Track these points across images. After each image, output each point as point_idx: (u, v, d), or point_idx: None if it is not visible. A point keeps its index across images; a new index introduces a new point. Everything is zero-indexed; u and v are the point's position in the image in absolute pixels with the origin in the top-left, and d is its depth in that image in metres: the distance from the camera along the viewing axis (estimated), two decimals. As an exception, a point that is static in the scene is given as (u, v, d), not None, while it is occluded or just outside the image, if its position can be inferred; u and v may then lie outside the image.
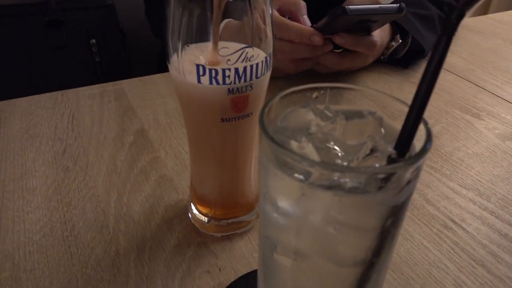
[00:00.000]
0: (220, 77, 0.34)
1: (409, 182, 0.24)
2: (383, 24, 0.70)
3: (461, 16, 0.22)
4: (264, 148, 0.25)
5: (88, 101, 0.69)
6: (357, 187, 0.23)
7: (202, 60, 0.34)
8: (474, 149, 0.61)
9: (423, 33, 0.78)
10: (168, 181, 0.53)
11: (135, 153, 0.58)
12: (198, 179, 0.45)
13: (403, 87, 0.76)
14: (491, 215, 0.50)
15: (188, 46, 0.35)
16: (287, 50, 0.67)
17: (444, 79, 0.80)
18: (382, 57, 0.81)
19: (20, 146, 0.59)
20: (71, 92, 0.71)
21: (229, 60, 0.34)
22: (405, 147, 0.24)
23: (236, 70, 0.34)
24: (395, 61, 0.81)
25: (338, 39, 0.66)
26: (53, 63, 1.26)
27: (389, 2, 0.68)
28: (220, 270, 0.43)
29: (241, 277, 0.42)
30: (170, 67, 0.38)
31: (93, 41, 1.27)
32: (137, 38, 1.49)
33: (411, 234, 0.47)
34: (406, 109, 0.24)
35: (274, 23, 0.65)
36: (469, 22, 1.07)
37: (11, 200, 0.50)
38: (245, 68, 0.34)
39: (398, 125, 0.25)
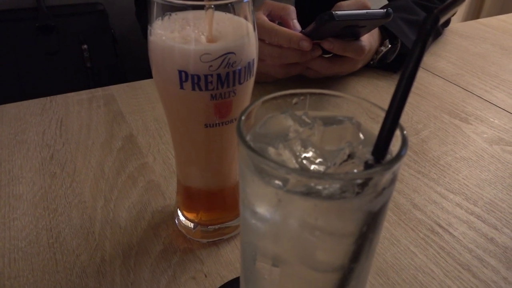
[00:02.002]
0: (202, 83, 0.34)
1: (385, 187, 0.24)
2: (371, 29, 0.70)
3: (435, 22, 0.23)
4: (242, 155, 0.25)
5: (76, 106, 0.69)
6: (334, 193, 0.23)
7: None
8: (462, 153, 0.61)
9: (411, 38, 0.79)
10: (156, 186, 0.53)
11: (123, 159, 0.58)
12: (184, 185, 0.45)
13: (391, 92, 0.75)
14: (478, 219, 0.50)
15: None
16: (276, 55, 0.67)
17: (433, 83, 0.80)
18: (371, 62, 0.81)
19: (7, 152, 0.59)
20: (59, 98, 0.71)
21: (211, 66, 0.34)
22: (382, 153, 0.24)
23: (219, 76, 0.34)
24: (384, 66, 0.82)
25: (326, 44, 0.66)
26: (45, 68, 1.26)
27: (379, 8, 0.69)
28: (206, 276, 0.42)
29: (227, 283, 0.42)
30: (154, 76, 0.38)
31: (85, 46, 1.27)
32: (129, 44, 1.49)
33: (398, 238, 0.47)
34: (384, 114, 0.24)
35: (263, 29, 0.66)
36: (458, 27, 1.08)
37: (-4, 206, 0.50)
38: (227, 74, 0.34)
39: (378, 128, 0.25)
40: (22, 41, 1.24)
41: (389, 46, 0.79)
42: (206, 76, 0.34)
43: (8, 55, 1.25)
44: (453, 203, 0.52)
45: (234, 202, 0.45)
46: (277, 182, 0.23)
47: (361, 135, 0.26)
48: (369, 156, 0.24)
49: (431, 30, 0.22)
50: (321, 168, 0.24)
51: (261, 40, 0.66)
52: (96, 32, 1.31)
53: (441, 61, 0.89)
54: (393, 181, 0.24)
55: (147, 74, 0.98)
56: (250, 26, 0.36)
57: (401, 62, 0.80)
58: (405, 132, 0.24)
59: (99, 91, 0.73)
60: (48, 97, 0.71)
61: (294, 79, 0.75)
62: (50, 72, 1.27)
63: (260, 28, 0.68)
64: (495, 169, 0.58)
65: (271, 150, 0.25)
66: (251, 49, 0.36)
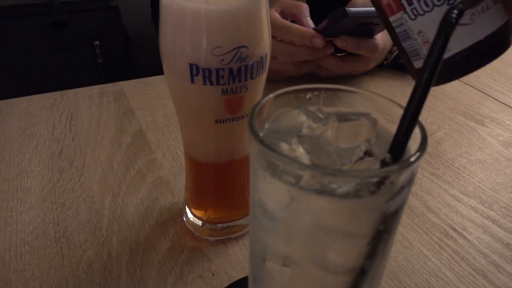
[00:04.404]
0: (213, 77, 0.34)
1: (403, 187, 0.23)
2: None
3: (460, 14, 0.22)
4: (253, 150, 0.24)
5: (87, 101, 0.69)
6: (349, 191, 0.22)
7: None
8: (477, 156, 0.60)
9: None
10: (164, 183, 0.53)
11: (132, 155, 0.57)
12: (193, 182, 0.44)
13: (406, 92, 0.75)
14: (493, 223, 0.49)
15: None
16: (287, 52, 0.66)
17: (448, 84, 0.78)
18: (385, 62, 0.80)
19: (17, 146, 0.59)
20: (70, 93, 0.71)
21: (223, 59, 0.33)
22: (400, 150, 0.23)
23: (230, 70, 0.33)
24: (398, 66, 0.80)
25: (339, 42, 0.65)
26: (56, 64, 1.27)
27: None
28: (213, 275, 0.42)
29: (235, 282, 0.41)
30: (165, 69, 0.37)
31: (97, 42, 1.27)
32: (141, 41, 1.49)
33: (410, 242, 0.46)
34: (402, 112, 0.23)
35: (275, 26, 0.65)
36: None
37: (4, 200, 0.49)
38: (239, 68, 0.34)
39: (394, 128, 0.24)
40: (35, 36, 1.25)
41: (404, 45, 0.77)
42: (217, 70, 0.33)
43: (21, 50, 1.26)
44: (468, 207, 0.51)
45: (243, 200, 0.44)
46: (289, 178, 0.22)
47: (377, 132, 0.25)
48: (386, 154, 0.23)
49: (455, 23, 0.21)
50: (336, 166, 0.23)
51: (273, 37, 0.65)
52: (108, 28, 1.31)
53: (457, 62, 0.87)
54: (410, 181, 0.23)
55: (159, 71, 0.98)
56: (264, 19, 0.35)
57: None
58: (424, 129, 0.23)
59: (109, 87, 0.73)
60: (59, 92, 0.71)
61: (306, 78, 0.74)
62: (61, 67, 1.27)
63: (272, 25, 0.67)
64: (511, 173, 0.57)
65: (284, 146, 0.24)
66: (264, 43, 0.36)
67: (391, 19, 0.30)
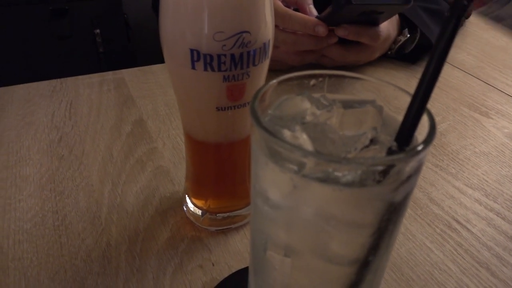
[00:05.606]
0: (215, 63, 0.33)
1: (409, 177, 0.22)
2: (390, 16, 0.68)
3: (471, -3, 0.21)
4: (255, 136, 0.23)
5: (87, 89, 0.68)
6: (353, 180, 0.21)
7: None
8: (482, 148, 0.59)
9: (432, 28, 0.76)
10: (165, 172, 0.52)
11: (132, 143, 0.57)
12: (193, 171, 0.43)
13: (410, 83, 0.74)
14: (498, 216, 0.48)
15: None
16: (290, 41, 0.65)
17: (452, 76, 0.77)
18: (389, 52, 0.79)
19: (15, 133, 0.58)
20: (70, 80, 0.70)
21: (224, 45, 0.32)
22: (407, 138, 0.22)
23: (232, 56, 0.33)
24: (402, 56, 0.79)
25: (340, 31, 0.64)
26: (57, 52, 1.25)
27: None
28: (213, 265, 0.41)
29: (235, 273, 0.40)
30: (165, 55, 0.36)
31: (97, 31, 1.26)
32: (142, 29, 1.48)
33: (413, 233, 0.45)
34: (409, 100, 0.22)
35: (277, 14, 0.64)
36: (479, 19, 1.05)
37: (3, 187, 0.49)
38: (241, 54, 0.33)
39: (399, 116, 0.23)
40: (35, 24, 1.24)
41: (408, 36, 0.76)
42: (219, 56, 0.32)
43: (21, 38, 1.24)
44: (472, 199, 0.50)
45: (244, 189, 0.44)
46: (292, 166, 0.21)
47: (383, 120, 0.24)
48: (392, 142, 0.22)
49: (467, 5, 0.20)
50: (341, 153, 0.22)
51: (275, 26, 0.64)
52: (109, 16, 1.30)
53: (461, 53, 0.86)
54: (417, 170, 0.22)
55: (160, 60, 0.96)
56: (267, 4, 0.34)
57: (420, 53, 0.78)
58: (433, 116, 0.22)
59: (109, 75, 0.72)
60: (58, 79, 0.70)
61: (309, 67, 0.73)
62: (62, 56, 1.26)
63: (274, 14, 0.66)
64: (516, 165, 0.56)
65: (287, 133, 0.23)
66: (267, 29, 0.35)
67: None
